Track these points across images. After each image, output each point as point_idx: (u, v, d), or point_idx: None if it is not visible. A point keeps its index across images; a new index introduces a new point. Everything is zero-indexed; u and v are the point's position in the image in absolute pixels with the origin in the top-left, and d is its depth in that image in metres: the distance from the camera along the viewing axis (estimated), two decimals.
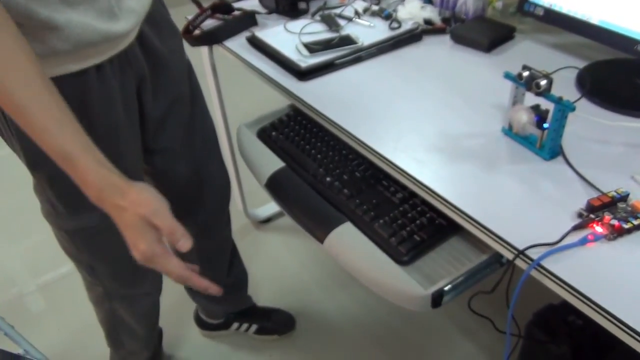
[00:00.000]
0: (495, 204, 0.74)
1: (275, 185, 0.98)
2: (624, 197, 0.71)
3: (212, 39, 1.27)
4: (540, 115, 0.81)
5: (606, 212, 0.70)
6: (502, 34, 1.15)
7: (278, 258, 1.75)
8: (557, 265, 0.65)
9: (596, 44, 0.97)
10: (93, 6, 0.72)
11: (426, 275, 0.77)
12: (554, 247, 0.66)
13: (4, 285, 1.75)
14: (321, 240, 0.85)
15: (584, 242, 0.67)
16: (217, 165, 1.15)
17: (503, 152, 0.84)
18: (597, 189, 0.74)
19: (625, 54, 0.91)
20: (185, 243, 0.68)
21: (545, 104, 0.80)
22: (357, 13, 1.26)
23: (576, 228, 0.68)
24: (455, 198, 0.76)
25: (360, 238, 0.83)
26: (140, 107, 0.90)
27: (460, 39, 1.16)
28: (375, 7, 1.27)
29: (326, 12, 1.27)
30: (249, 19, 1.29)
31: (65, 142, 0.64)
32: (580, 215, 0.71)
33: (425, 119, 0.93)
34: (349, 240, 0.83)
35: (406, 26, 1.19)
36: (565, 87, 0.98)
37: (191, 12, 1.30)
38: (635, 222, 0.67)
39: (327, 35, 1.18)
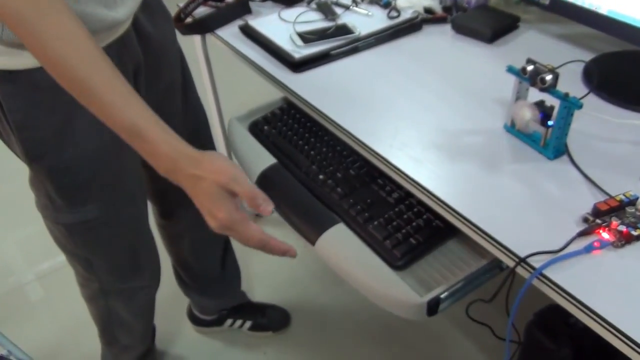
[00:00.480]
0: (496, 207, 0.70)
1: (266, 183, 0.93)
2: (632, 201, 0.67)
3: (204, 27, 1.22)
4: (544, 112, 0.76)
5: (613, 217, 0.66)
6: (506, 23, 1.10)
7: None
8: (560, 274, 0.61)
9: (604, 35, 0.92)
10: None
11: (422, 280, 0.73)
12: (558, 255, 0.62)
13: None
14: (312, 242, 0.81)
15: (589, 249, 0.63)
16: None
17: (504, 150, 0.80)
18: (604, 192, 0.70)
19: (635, 46, 0.86)
20: (268, 207, 0.66)
21: (551, 100, 0.75)
22: (354, 1, 1.21)
23: (581, 234, 0.64)
24: (453, 200, 0.72)
25: (354, 240, 0.79)
26: None
27: (461, 29, 1.11)
28: None
29: None
30: (242, 7, 1.24)
31: (134, 116, 0.63)
32: (585, 220, 0.67)
33: (423, 114, 0.88)
34: (341, 243, 0.80)
35: (405, 15, 1.14)
36: (572, 81, 0.93)
37: None
38: None
39: (323, 24, 1.13)
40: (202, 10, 1.26)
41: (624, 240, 0.63)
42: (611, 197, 0.68)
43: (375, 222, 0.80)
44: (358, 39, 1.08)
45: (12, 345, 1.04)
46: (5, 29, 0.68)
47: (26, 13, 0.59)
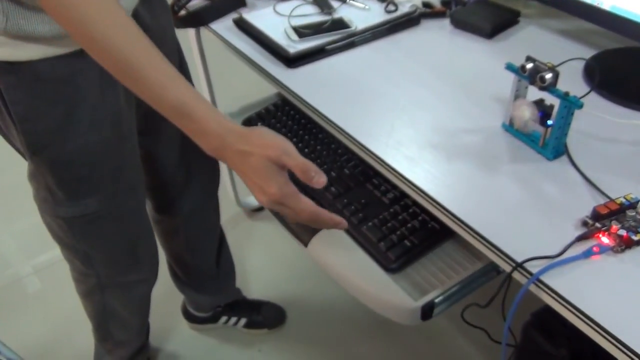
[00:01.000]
0: (492, 209, 0.68)
1: None
2: (633, 204, 0.65)
3: (197, 20, 1.20)
4: (544, 111, 0.74)
5: (613, 221, 0.64)
6: (506, 18, 1.08)
7: (270, 247, 1.70)
8: (558, 280, 0.59)
9: (606, 31, 0.90)
10: None
11: (416, 284, 0.72)
12: (555, 260, 0.61)
13: None
14: (305, 243, 0.80)
15: (588, 254, 0.61)
16: None
17: (502, 150, 0.78)
18: (604, 194, 0.68)
19: (638, 43, 0.84)
20: (320, 178, 0.64)
21: (550, 99, 0.73)
22: None
23: (580, 239, 0.63)
24: (449, 201, 0.70)
25: (347, 242, 0.77)
26: None
27: (460, 24, 1.08)
28: None
29: None
30: None
31: (181, 94, 0.62)
32: (584, 223, 0.65)
33: (420, 112, 0.86)
34: (334, 244, 0.78)
35: (403, 9, 1.12)
36: (572, 78, 0.91)
37: None
38: None
39: (319, 18, 1.11)
40: (196, 3, 1.23)
41: (624, 245, 0.61)
42: (611, 199, 0.66)
43: (370, 223, 0.78)
44: (354, 34, 1.06)
45: (1, 345, 1.03)
46: (9, 20, 0.67)
47: None
